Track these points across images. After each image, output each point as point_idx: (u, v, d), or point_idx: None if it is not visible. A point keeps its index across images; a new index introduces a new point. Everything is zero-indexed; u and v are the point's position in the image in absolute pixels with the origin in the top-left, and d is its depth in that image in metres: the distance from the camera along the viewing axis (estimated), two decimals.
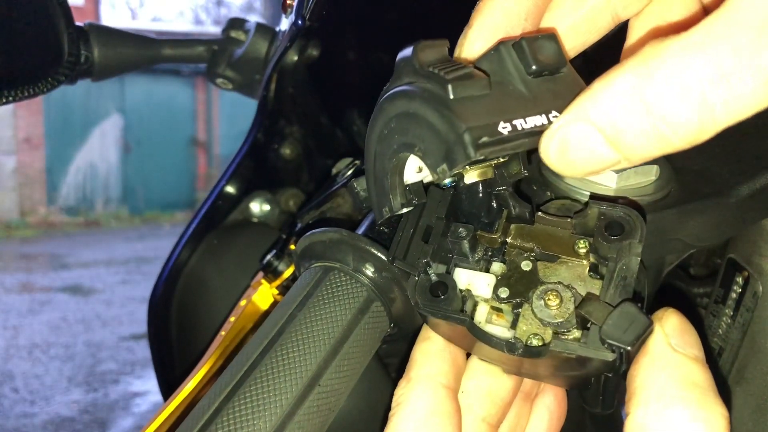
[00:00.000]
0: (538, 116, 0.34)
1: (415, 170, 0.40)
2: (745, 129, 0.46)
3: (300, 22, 0.69)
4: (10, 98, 0.67)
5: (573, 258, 0.40)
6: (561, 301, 0.38)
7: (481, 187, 0.41)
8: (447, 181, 0.42)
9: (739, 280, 0.54)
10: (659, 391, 0.32)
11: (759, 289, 0.52)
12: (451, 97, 0.34)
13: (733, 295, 0.55)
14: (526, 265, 0.40)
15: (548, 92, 0.35)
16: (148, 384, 3.88)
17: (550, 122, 0.34)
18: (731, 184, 0.47)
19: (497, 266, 0.41)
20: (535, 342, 0.37)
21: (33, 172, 9.18)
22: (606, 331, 0.34)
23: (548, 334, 0.37)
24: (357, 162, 0.61)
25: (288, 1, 0.75)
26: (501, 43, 0.36)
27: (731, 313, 0.55)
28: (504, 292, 0.39)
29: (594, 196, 0.42)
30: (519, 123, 0.34)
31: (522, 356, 0.37)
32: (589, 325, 0.36)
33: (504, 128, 0.33)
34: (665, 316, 0.35)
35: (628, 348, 0.34)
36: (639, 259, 0.38)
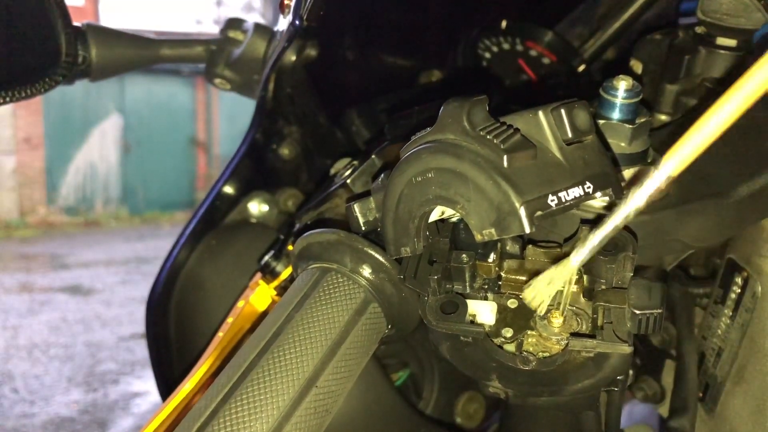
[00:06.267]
0: (577, 188, 0.37)
1: (437, 214, 0.41)
2: (745, 129, 0.46)
3: (298, 22, 0.69)
4: (8, 98, 0.66)
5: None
6: (564, 318, 0.38)
7: None
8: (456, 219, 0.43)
9: (739, 280, 0.54)
10: None
11: (758, 289, 0.52)
12: (506, 166, 0.35)
13: (733, 296, 0.55)
14: (512, 303, 0.41)
15: (580, 160, 0.37)
16: (148, 384, 3.87)
17: (585, 193, 0.37)
18: (730, 184, 0.47)
19: (508, 301, 0.42)
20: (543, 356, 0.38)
21: (33, 172, 9.17)
22: (635, 305, 0.37)
23: (555, 350, 0.38)
24: (355, 162, 0.60)
25: (286, 2, 0.75)
26: (540, 107, 0.38)
27: (730, 314, 0.55)
28: (508, 332, 0.40)
29: (584, 221, 0.43)
30: (563, 195, 0.36)
31: (536, 368, 0.37)
32: (601, 325, 0.38)
33: (552, 201, 0.36)
34: None
35: (660, 311, 0.36)
36: (632, 274, 0.39)
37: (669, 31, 0.65)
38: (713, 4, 0.56)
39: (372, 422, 0.68)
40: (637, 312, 0.36)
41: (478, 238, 0.36)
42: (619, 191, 0.39)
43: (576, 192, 0.36)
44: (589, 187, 0.37)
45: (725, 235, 0.53)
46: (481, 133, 0.37)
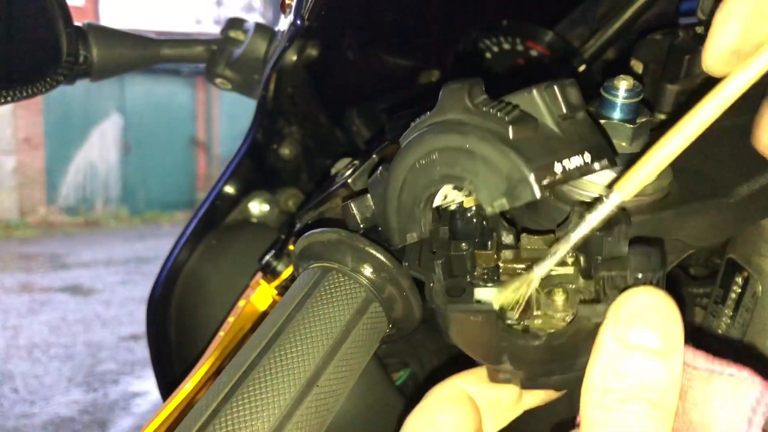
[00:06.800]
0: (578, 156, 0.38)
1: (440, 198, 0.41)
2: (745, 129, 0.46)
3: (299, 22, 0.69)
4: (9, 98, 0.66)
5: (562, 268, 0.41)
6: (567, 295, 0.39)
7: (474, 210, 0.43)
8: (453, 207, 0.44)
9: (739, 280, 0.54)
10: None
11: (758, 289, 0.52)
12: (511, 137, 0.36)
13: (733, 296, 0.55)
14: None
15: (575, 134, 0.39)
16: (148, 384, 3.87)
17: (585, 162, 0.38)
18: (731, 184, 0.47)
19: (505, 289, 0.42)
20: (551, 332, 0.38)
21: (33, 172, 9.18)
22: (636, 269, 0.37)
23: (560, 325, 0.38)
24: (356, 162, 0.61)
25: (287, 1, 0.75)
26: (533, 86, 0.39)
27: (731, 314, 0.55)
28: (514, 315, 0.40)
29: (574, 203, 0.43)
30: (566, 164, 0.37)
31: (547, 342, 0.38)
32: (606, 292, 0.38)
33: (558, 168, 0.37)
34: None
35: (661, 272, 0.37)
36: (626, 247, 0.39)
37: (669, 31, 0.65)
38: (713, 4, 0.56)
39: (373, 421, 0.68)
40: (640, 276, 0.37)
41: (489, 210, 0.37)
42: (613, 162, 0.40)
43: (577, 161, 0.38)
44: (588, 157, 0.38)
45: (725, 235, 0.53)
46: (485, 108, 0.38)
